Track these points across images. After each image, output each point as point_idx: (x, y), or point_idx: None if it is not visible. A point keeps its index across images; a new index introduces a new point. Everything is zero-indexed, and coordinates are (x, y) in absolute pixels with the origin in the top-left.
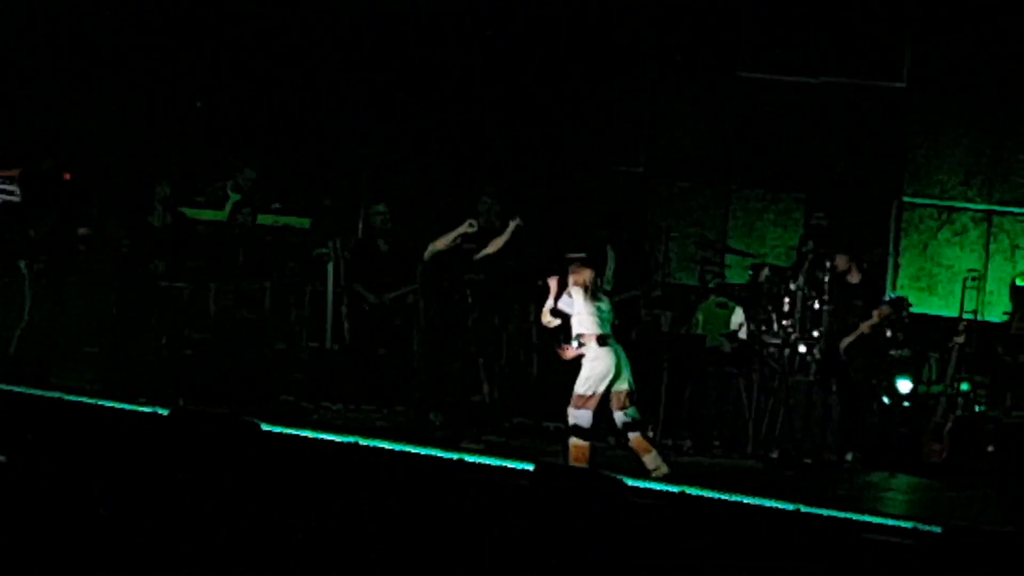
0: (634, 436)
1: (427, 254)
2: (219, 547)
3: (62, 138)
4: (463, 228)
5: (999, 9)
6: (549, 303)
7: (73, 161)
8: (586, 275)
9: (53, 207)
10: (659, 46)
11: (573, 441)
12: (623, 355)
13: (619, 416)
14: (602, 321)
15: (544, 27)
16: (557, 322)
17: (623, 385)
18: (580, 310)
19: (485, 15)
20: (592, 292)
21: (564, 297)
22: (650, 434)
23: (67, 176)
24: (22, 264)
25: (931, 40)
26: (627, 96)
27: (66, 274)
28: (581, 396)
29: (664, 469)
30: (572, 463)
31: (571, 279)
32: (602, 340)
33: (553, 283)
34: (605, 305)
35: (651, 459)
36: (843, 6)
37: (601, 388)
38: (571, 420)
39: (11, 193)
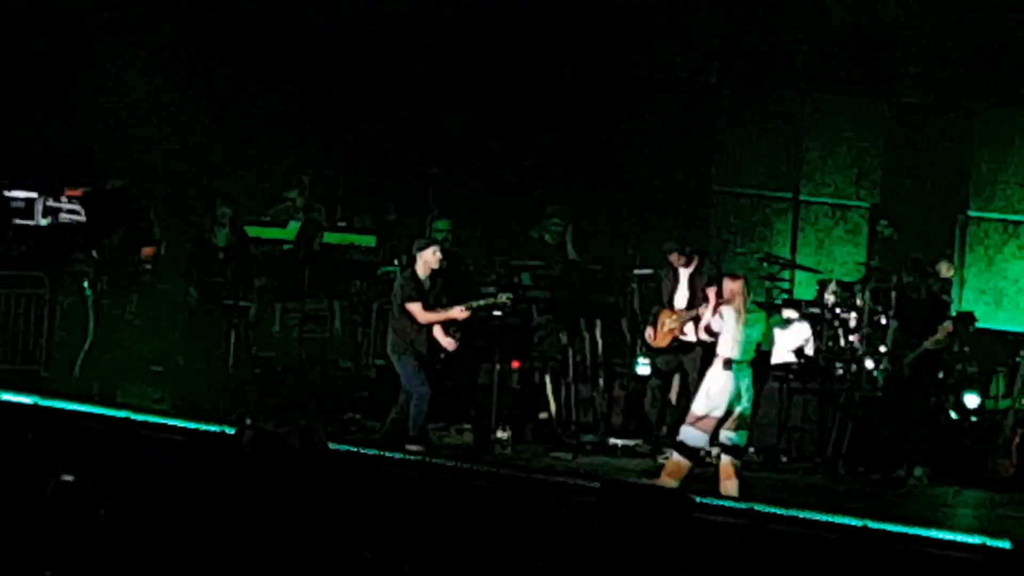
0: (727, 459)
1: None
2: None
3: (128, 158)
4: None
5: None
6: (706, 317)
7: (139, 181)
8: (735, 289)
9: (117, 228)
10: (721, 59)
11: (674, 457)
12: (750, 379)
13: (724, 434)
14: (744, 345)
15: (612, 46)
16: (711, 339)
17: (739, 407)
18: (729, 330)
19: (554, 37)
20: (742, 313)
21: (716, 316)
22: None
23: (130, 197)
24: (85, 284)
25: (995, 56)
26: (690, 111)
27: (129, 294)
28: (697, 416)
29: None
30: (665, 478)
31: (728, 292)
32: (728, 364)
33: (712, 294)
34: (754, 331)
35: (729, 486)
36: (907, 30)
37: (719, 412)
38: (680, 436)
39: (76, 213)
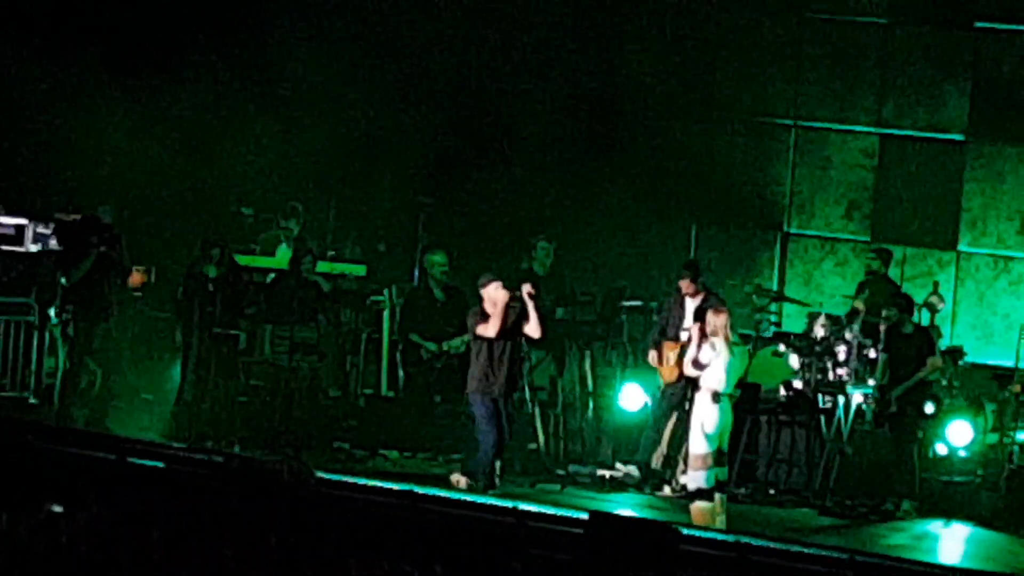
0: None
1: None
2: None
3: (119, 185)
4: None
5: None
6: (692, 352)
7: (130, 208)
8: (724, 322)
9: (87, 256)
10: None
11: (699, 505)
12: (730, 413)
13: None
14: (730, 378)
15: (597, 81)
16: (698, 374)
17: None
18: (720, 363)
19: (544, 67)
20: (728, 342)
21: (705, 347)
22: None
23: (102, 225)
24: (51, 311)
25: (989, 91)
26: (683, 146)
27: (97, 323)
28: (699, 456)
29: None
30: (697, 524)
31: (711, 326)
32: (717, 397)
33: (696, 330)
34: (740, 364)
35: (717, 520)
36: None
37: (715, 445)
38: (692, 485)
39: (48, 240)
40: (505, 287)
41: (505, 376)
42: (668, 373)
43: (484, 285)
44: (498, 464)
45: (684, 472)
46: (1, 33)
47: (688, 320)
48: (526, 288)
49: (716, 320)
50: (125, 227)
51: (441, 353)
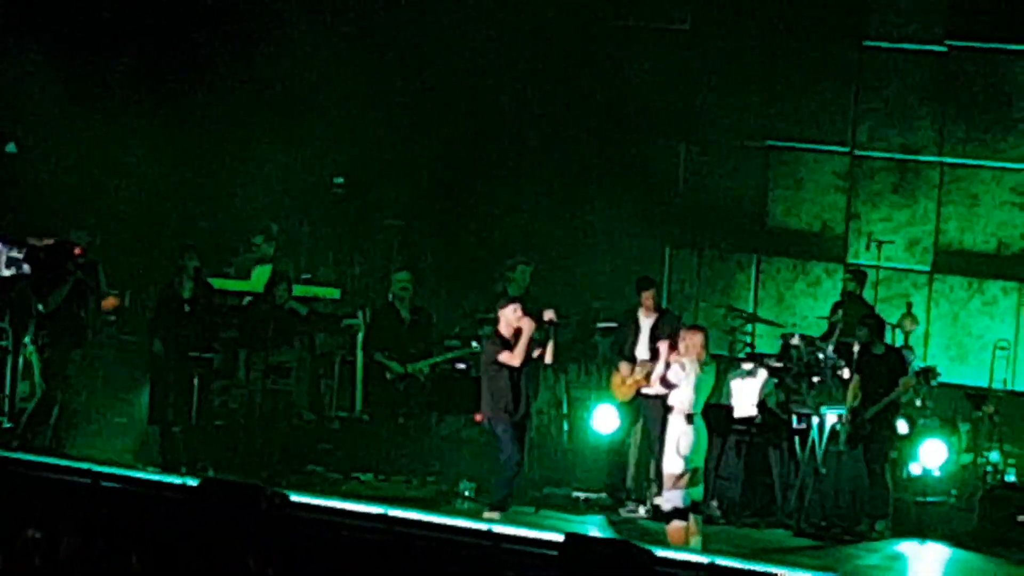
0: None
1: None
2: None
3: (93, 209)
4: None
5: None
6: (659, 369)
7: (105, 232)
8: (697, 342)
9: (63, 282)
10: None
11: (675, 525)
12: (704, 431)
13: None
14: (699, 398)
15: (567, 99)
16: (664, 391)
17: (694, 462)
18: (691, 383)
19: (517, 86)
20: (702, 363)
21: (675, 367)
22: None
23: (78, 251)
24: (27, 339)
25: (962, 111)
26: (656, 166)
27: (72, 348)
28: (674, 476)
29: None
30: (674, 544)
31: (683, 346)
32: (690, 419)
33: (665, 348)
34: (710, 384)
35: (692, 541)
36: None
37: (691, 465)
38: (667, 505)
39: (21, 265)
40: (526, 312)
41: (524, 400)
42: (624, 391)
43: (502, 307)
44: (473, 486)
45: (658, 493)
46: None
47: (644, 338)
48: (548, 315)
49: (692, 339)
50: (98, 251)
51: (406, 375)
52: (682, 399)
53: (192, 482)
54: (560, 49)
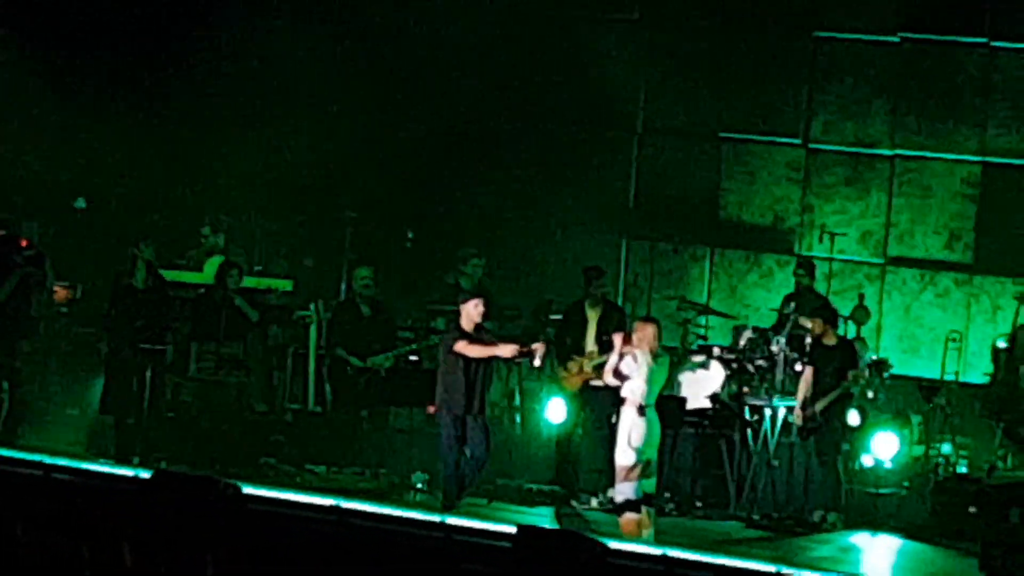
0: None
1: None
2: None
3: (43, 200)
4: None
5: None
6: (612, 361)
7: (55, 223)
8: (650, 334)
9: (12, 275)
10: (644, 107)
11: (628, 517)
12: (656, 423)
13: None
14: (651, 390)
15: (526, 84)
16: (616, 383)
17: (647, 454)
18: (643, 375)
19: (470, 80)
20: (655, 355)
21: (627, 359)
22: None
23: (24, 243)
24: None
25: (914, 104)
26: (610, 158)
27: (19, 340)
28: (626, 468)
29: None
30: (627, 536)
31: (636, 337)
32: (642, 411)
33: (618, 340)
34: (662, 376)
35: (645, 533)
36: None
37: (643, 457)
38: (620, 497)
39: None
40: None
41: (479, 398)
42: (571, 382)
43: (464, 302)
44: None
45: (610, 485)
46: None
47: (590, 329)
48: (539, 350)
49: (645, 331)
50: (50, 244)
51: (366, 369)
52: (634, 390)
53: (145, 474)
54: (514, 42)
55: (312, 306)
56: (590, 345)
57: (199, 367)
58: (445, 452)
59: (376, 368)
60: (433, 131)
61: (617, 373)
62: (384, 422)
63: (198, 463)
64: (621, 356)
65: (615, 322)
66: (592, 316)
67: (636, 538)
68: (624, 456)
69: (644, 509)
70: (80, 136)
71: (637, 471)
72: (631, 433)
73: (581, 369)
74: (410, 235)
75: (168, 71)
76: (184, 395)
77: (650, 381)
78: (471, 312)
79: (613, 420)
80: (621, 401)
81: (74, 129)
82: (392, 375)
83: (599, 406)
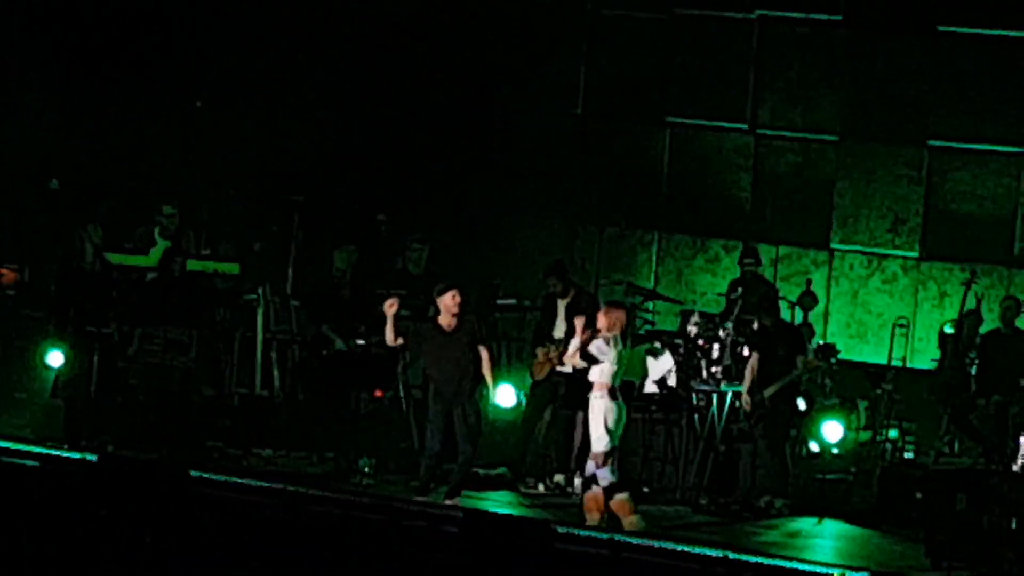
0: (595, 491)
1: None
2: None
3: None
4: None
5: (924, 61)
6: (575, 343)
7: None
8: (622, 319)
9: None
10: (587, 91)
11: (620, 498)
12: (624, 407)
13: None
14: (618, 373)
15: (470, 71)
16: (583, 364)
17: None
18: (612, 360)
19: (417, 61)
20: (624, 340)
21: (598, 341)
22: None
23: None
24: None
25: (861, 90)
26: (556, 143)
27: None
28: (603, 454)
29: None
30: (624, 517)
31: (606, 322)
32: (614, 393)
33: (580, 323)
34: (627, 354)
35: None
36: (773, 54)
37: (616, 441)
38: (603, 482)
39: None
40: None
41: (458, 377)
42: (538, 370)
43: (440, 295)
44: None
45: (557, 470)
46: None
47: (560, 320)
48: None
49: (617, 315)
50: None
51: (346, 351)
52: (604, 372)
53: (92, 458)
54: (462, 22)
55: (260, 290)
56: (559, 333)
57: (146, 350)
58: (425, 439)
59: (354, 349)
60: (382, 115)
61: (585, 354)
62: (331, 406)
63: (145, 447)
64: (588, 339)
65: (582, 307)
66: (562, 304)
67: (628, 518)
68: (601, 441)
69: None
70: (29, 117)
71: (613, 455)
72: (606, 417)
73: (549, 357)
74: (381, 217)
75: (118, 53)
76: (131, 379)
77: (620, 364)
78: (448, 304)
79: (593, 405)
80: (589, 386)
81: (23, 110)
82: (345, 358)
83: (566, 393)
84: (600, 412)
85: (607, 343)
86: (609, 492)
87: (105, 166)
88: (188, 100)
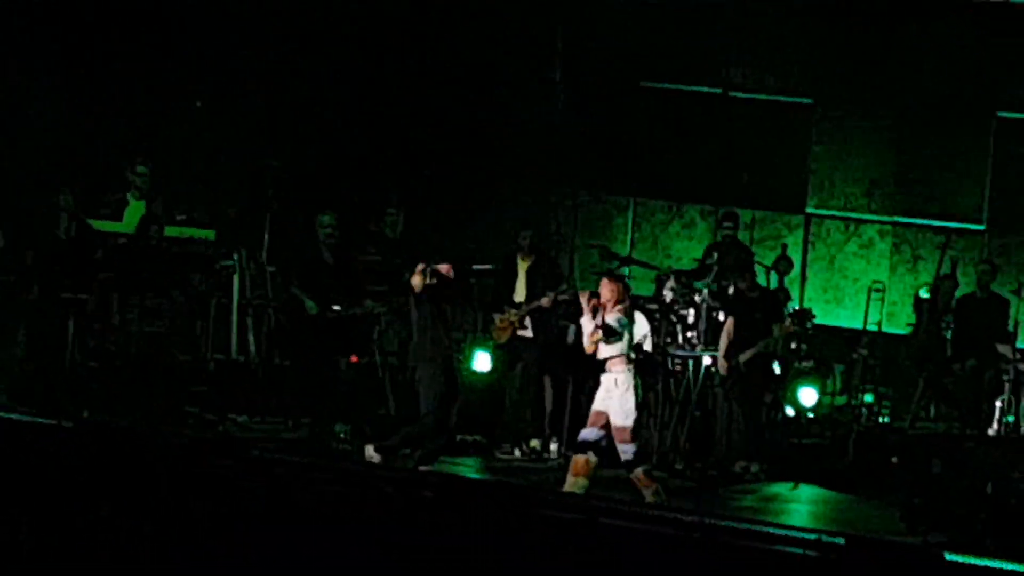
0: (582, 457)
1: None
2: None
3: None
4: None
5: (899, 25)
6: (590, 323)
7: None
8: (622, 290)
9: None
10: (562, 57)
11: (638, 472)
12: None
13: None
14: (629, 344)
15: (449, 42)
16: (604, 345)
17: None
18: (630, 330)
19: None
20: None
21: (614, 315)
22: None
23: None
24: None
25: (835, 55)
26: (532, 109)
27: None
28: (626, 428)
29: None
30: (644, 489)
31: (611, 294)
32: (630, 365)
33: (585, 299)
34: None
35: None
36: (747, 19)
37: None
38: (626, 456)
39: None
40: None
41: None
42: (499, 333)
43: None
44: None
45: (532, 435)
46: None
47: (520, 280)
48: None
49: (618, 287)
50: None
51: (320, 316)
52: (624, 346)
53: (67, 424)
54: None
55: (235, 255)
56: (520, 296)
57: (122, 317)
58: (432, 405)
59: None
60: (357, 81)
61: (608, 330)
62: (308, 371)
63: (121, 413)
64: (596, 315)
65: (545, 273)
66: (522, 267)
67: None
68: (629, 417)
69: (583, 457)
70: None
71: (639, 428)
72: (630, 393)
73: (511, 321)
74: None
75: (91, 18)
76: (107, 345)
77: (630, 339)
78: (439, 269)
79: (619, 381)
80: (602, 365)
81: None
82: (323, 325)
83: (528, 357)
84: (627, 387)
85: (624, 315)
86: (630, 466)
87: (76, 132)
88: (159, 63)
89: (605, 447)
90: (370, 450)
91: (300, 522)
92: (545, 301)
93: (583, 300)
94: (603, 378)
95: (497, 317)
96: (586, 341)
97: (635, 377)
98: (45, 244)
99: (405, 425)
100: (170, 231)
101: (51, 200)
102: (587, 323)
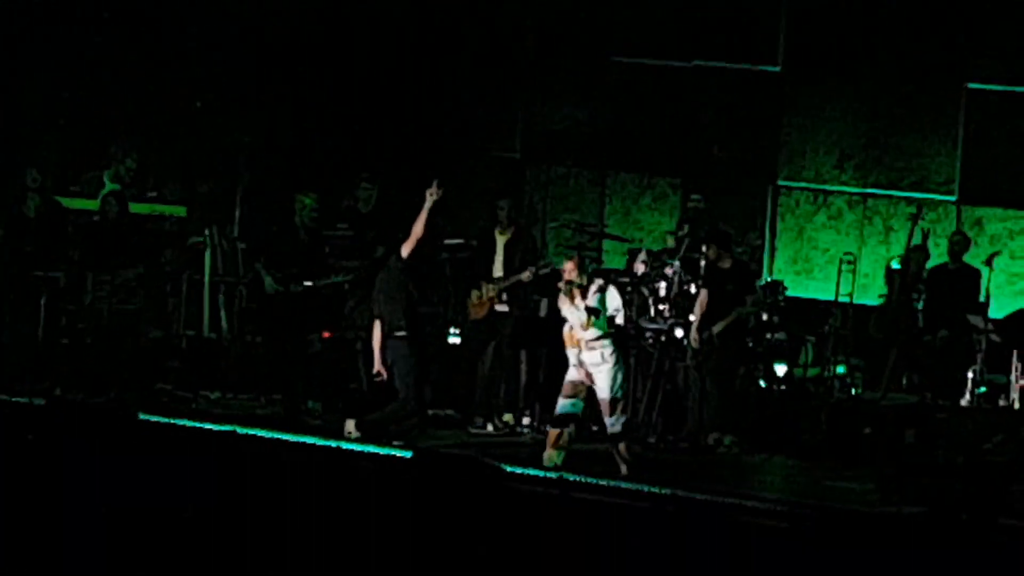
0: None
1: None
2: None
3: None
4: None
5: None
6: (574, 311)
7: None
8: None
9: None
10: (533, 31)
11: (623, 446)
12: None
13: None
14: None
15: (417, 13)
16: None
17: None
18: (616, 304)
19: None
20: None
21: (611, 291)
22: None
23: None
24: None
25: (805, 23)
26: (502, 81)
27: None
28: (618, 400)
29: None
30: (622, 464)
31: (577, 272)
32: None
33: (564, 286)
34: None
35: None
36: None
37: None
38: (615, 428)
39: None
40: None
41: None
42: (476, 309)
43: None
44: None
45: (505, 409)
46: None
47: (498, 255)
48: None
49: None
50: None
51: (284, 292)
52: (603, 324)
53: (39, 402)
54: None
55: (207, 231)
56: (497, 271)
57: (93, 294)
58: (408, 382)
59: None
60: (329, 55)
61: (594, 311)
62: (281, 348)
63: (93, 390)
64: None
65: (524, 248)
66: (500, 240)
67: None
68: (616, 388)
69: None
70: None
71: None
72: (619, 367)
73: (490, 296)
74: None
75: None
76: (79, 322)
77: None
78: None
79: (605, 356)
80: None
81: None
82: (293, 300)
83: (505, 330)
84: (614, 360)
85: (600, 292)
86: (616, 439)
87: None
88: (133, 39)
89: (581, 419)
90: (350, 425)
91: (271, 497)
92: (526, 276)
93: (563, 290)
94: (586, 355)
95: (474, 293)
96: (578, 330)
97: (618, 350)
98: (13, 223)
99: (390, 402)
100: (141, 208)
101: (17, 179)
102: (571, 311)
